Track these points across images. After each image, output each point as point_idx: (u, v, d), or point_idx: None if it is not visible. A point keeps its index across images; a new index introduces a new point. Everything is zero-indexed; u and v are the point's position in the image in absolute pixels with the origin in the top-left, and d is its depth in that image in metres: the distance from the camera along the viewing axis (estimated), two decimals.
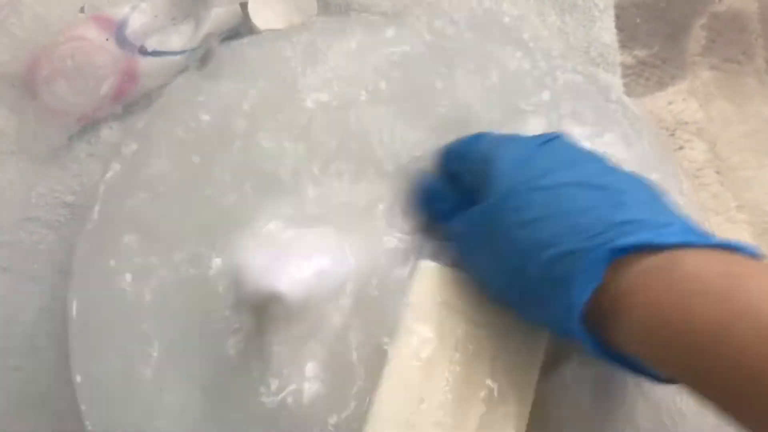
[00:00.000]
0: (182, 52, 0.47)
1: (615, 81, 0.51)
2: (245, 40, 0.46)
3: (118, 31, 0.45)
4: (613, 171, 0.34)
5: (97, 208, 0.39)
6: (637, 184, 0.34)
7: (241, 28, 0.49)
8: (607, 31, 0.53)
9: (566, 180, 0.33)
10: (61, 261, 0.42)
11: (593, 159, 0.35)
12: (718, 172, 0.52)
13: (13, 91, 0.40)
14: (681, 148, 0.51)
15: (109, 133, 0.46)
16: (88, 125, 0.45)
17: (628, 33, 0.54)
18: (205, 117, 0.43)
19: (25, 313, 0.41)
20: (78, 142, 0.45)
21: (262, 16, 0.47)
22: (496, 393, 0.36)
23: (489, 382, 0.37)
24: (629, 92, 0.52)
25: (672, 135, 0.52)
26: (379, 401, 0.36)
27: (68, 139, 0.44)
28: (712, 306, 0.26)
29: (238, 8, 0.48)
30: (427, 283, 0.39)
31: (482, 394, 0.36)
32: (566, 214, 0.31)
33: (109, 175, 0.40)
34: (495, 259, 0.34)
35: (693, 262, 0.28)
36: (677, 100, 0.53)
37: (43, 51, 0.43)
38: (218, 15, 0.48)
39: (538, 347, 0.37)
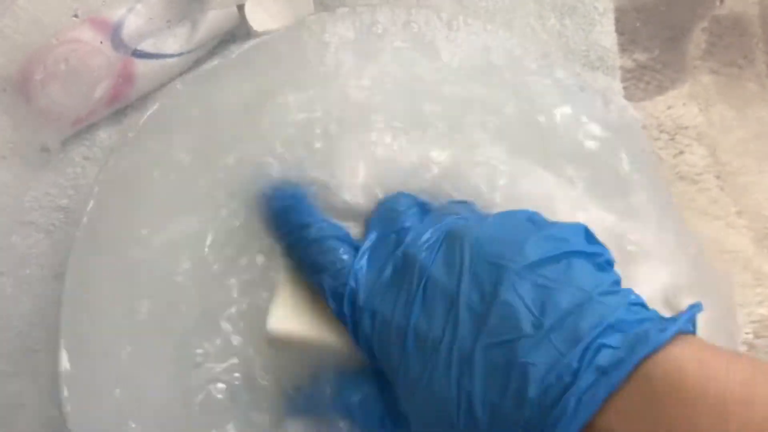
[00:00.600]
0: (178, 54, 0.47)
1: (614, 85, 0.51)
2: None
3: (114, 34, 0.45)
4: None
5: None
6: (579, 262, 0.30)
7: (238, 31, 0.49)
8: (606, 35, 0.53)
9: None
10: (54, 265, 0.42)
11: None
12: (718, 177, 0.51)
13: (7, 94, 0.40)
14: (681, 152, 0.51)
15: (104, 136, 0.45)
16: (84, 128, 0.45)
17: (628, 37, 0.53)
18: None
19: (19, 318, 0.40)
20: (73, 145, 0.44)
21: (258, 18, 0.47)
22: None
23: None
24: (629, 96, 0.52)
25: (672, 139, 0.51)
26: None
27: (63, 142, 0.44)
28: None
29: (235, 10, 0.48)
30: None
31: None
32: None
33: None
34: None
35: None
36: (677, 105, 0.53)
37: (37, 54, 0.42)
38: (215, 17, 0.48)
39: None
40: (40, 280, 0.41)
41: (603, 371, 0.26)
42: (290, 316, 0.35)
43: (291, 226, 0.36)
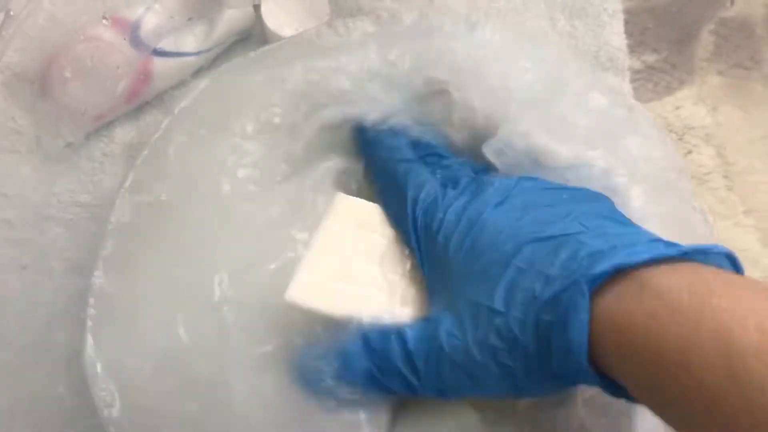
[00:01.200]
0: (196, 53, 0.47)
1: (624, 85, 0.52)
2: None
3: (133, 32, 0.45)
4: (566, 192, 0.34)
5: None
6: (593, 201, 0.34)
7: (254, 30, 0.50)
8: (616, 36, 0.53)
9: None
10: (75, 259, 0.43)
11: (543, 190, 0.35)
12: (725, 177, 0.52)
13: (30, 91, 0.41)
14: (689, 152, 0.52)
15: (122, 133, 0.46)
16: (103, 125, 0.46)
17: (637, 38, 0.54)
18: None
19: (41, 310, 0.41)
20: (93, 141, 0.45)
21: (275, 19, 0.48)
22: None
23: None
24: (638, 97, 0.53)
25: (680, 139, 0.52)
26: (312, 251, 0.36)
27: (83, 138, 0.44)
28: (678, 328, 0.25)
29: (251, 10, 0.49)
30: (343, 212, 0.38)
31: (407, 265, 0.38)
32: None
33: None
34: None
35: (661, 278, 0.27)
36: (685, 105, 0.53)
37: (59, 51, 0.43)
38: (232, 17, 0.48)
39: None
40: (61, 273, 0.42)
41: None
42: (313, 286, 0.35)
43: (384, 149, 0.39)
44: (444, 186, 0.37)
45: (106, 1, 0.45)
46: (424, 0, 0.52)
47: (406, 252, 0.38)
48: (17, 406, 0.40)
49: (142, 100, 0.47)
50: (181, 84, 0.48)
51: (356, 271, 0.37)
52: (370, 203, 0.39)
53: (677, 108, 0.53)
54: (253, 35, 0.50)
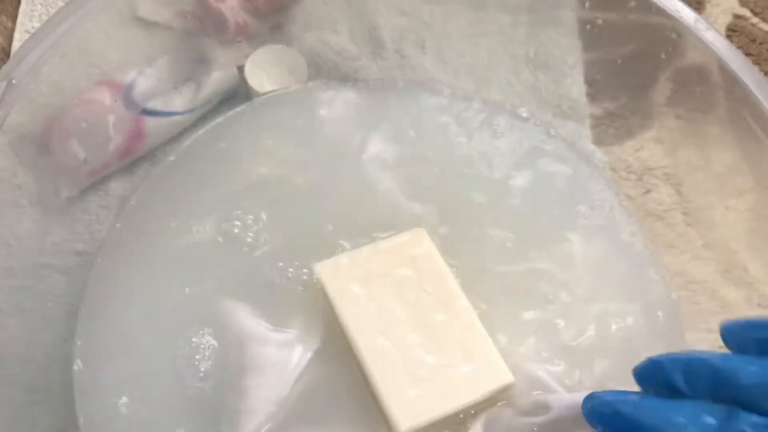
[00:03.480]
0: (184, 112, 0.51)
1: (584, 131, 0.55)
2: None
3: (126, 94, 0.49)
4: None
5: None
6: None
7: (239, 90, 0.54)
8: (576, 86, 0.57)
9: None
10: (71, 304, 0.46)
11: None
12: (684, 213, 0.55)
13: (31, 149, 0.44)
14: (648, 191, 0.55)
15: (117, 186, 0.50)
16: (99, 180, 0.50)
17: (597, 86, 0.58)
18: None
19: (40, 350, 0.44)
20: (90, 195, 0.49)
21: (257, 79, 0.52)
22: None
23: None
24: (599, 141, 0.56)
25: (639, 180, 0.55)
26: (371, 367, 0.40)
27: (80, 192, 0.48)
28: None
29: (236, 71, 0.53)
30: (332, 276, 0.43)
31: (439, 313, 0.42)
32: None
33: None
34: None
35: None
36: (644, 147, 0.57)
37: (57, 113, 0.47)
38: (218, 78, 0.52)
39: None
40: (60, 316, 0.45)
41: None
42: (413, 402, 0.40)
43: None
44: None
45: (102, 66, 0.49)
46: (395, 60, 0.56)
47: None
48: None
49: (135, 155, 0.51)
50: (171, 140, 0.52)
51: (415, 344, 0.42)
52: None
53: (636, 150, 0.56)
54: (238, 93, 0.54)
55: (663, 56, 0.58)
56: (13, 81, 0.39)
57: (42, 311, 0.45)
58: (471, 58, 0.58)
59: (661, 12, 0.48)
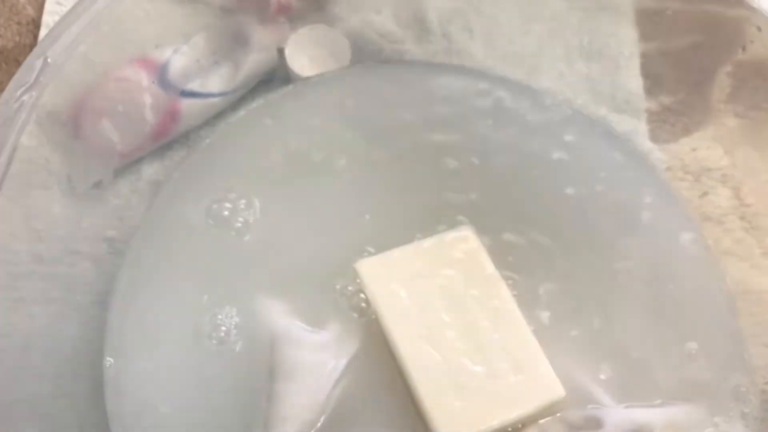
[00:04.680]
0: (221, 94, 0.49)
1: (640, 127, 0.53)
2: None
3: (161, 74, 0.47)
4: None
5: None
6: None
7: (278, 72, 0.51)
8: (633, 78, 0.54)
9: None
10: (100, 292, 0.44)
11: None
12: (742, 218, 0.52)
13: (62, 131, 0.42)
14: (705, 194, 0.52)
15: (149, 170, 0.48)
16: (131, 163, 0.47)
17: (653, 80, 0.55)
18: None
19: (67, 342, 0.42)
20: (121, 178, 0.47)
21: (298, 62, 0.49)
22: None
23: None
24: (654, 138, 0.53)
25: (696, 181, 0.52)
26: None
27: (112, 175, 0.46)
28: None
29: (275, 53, 0.50)
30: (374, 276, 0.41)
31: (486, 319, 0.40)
32: None
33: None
34: None
35: None
36: (702, 147, 0.54)
37: (90, 93, 0.45)
38: (256, 59, 0.50)
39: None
40: (87, 305, 0.43)
41: None
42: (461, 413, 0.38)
43: None
44: None
45: (136, 44, 0.47)
46: (442, 44, 0.53)
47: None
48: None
49: (168, 138, 0.49)
50: (205, 123, 0.49)
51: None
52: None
53: (693, 150, 0.54)
54: (276, 77, 0.52)
55: (723, 49, 0.55)
56: (48, 60, 0.36)
57: (69, 300, 0.43)
58: (521, 46, 0.55)
59: (740, 2, 0.44)
